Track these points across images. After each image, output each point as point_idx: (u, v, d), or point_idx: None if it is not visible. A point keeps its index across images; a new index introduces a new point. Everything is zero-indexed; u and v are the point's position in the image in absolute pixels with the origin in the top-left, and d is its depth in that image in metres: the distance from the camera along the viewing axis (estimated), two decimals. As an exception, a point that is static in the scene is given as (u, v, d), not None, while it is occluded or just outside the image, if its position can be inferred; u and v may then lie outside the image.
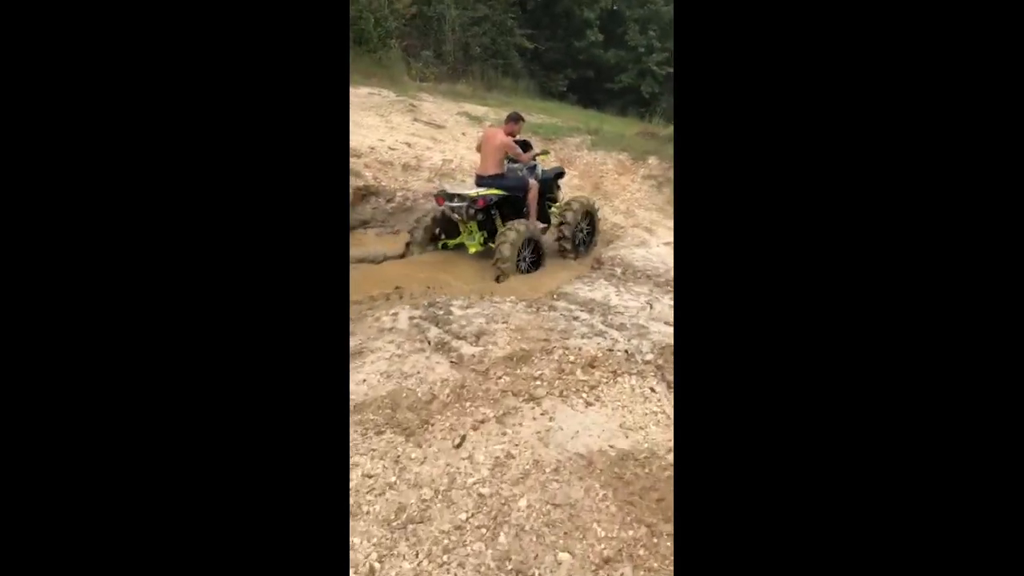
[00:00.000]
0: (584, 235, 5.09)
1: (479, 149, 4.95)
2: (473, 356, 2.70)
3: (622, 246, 5.05)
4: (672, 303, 3.84)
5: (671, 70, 16.39)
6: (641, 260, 4.69)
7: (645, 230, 5.65)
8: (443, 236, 4.81)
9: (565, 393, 2.46)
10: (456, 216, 4.60)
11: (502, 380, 2.52)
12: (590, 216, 5.12)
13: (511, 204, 4.80)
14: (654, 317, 3.54)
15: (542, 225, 4.95)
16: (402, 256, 4.69)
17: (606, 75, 16.50)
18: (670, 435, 2.26)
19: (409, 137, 6.87)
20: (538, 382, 2.53)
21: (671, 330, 3.37)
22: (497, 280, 4.20)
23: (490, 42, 13.12)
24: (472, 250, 4.62)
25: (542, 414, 2.31)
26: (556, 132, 8.81)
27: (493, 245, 4.41)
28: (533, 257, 4.53)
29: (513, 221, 4.49)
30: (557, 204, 5.26)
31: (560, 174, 5.43)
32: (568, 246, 4.88)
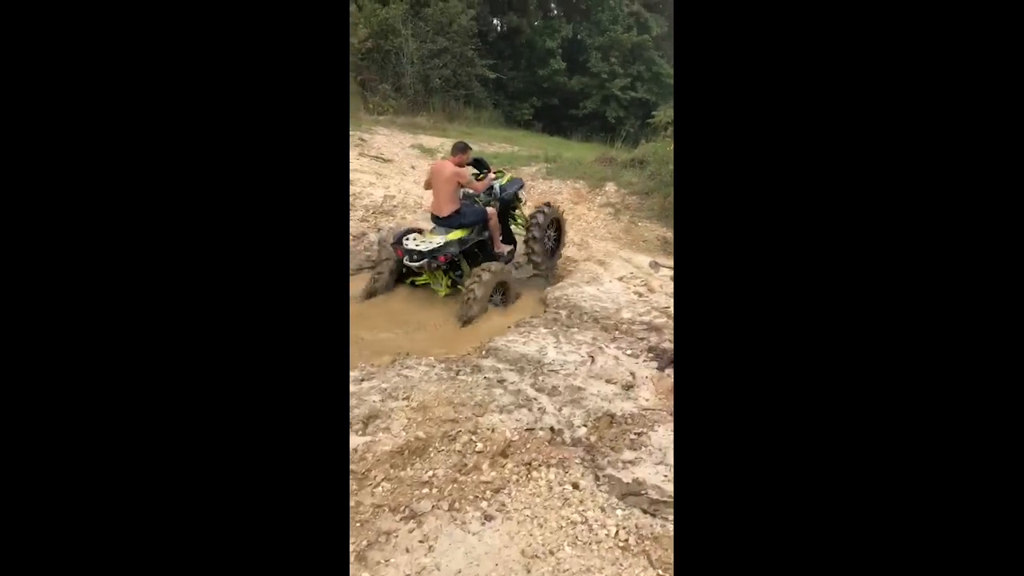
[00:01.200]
0: (551, 243, 4.92)
1: (428, 186, 4.46)
2: (354, 452, 2.10)
3: (570, 284, 4.49)
4: (616, 353, 3.27)
5: (635, 94, 16.12)
6: (589, 300, 4.13)
7: (598, 263, 5.11)
8: (410, 276, 4.40)
9: (459, 504, 1.86)
10: (416, 268, 4.17)
11: (380, 489, 1.92)
12: (556, 223, 4.95)
13: (475, 244, 4.47)
14: (594, 374, 2.97)
15: (508, 248, 4.65)
16: (370, 296, 4.26)
17: (571, 102, 16.18)
18: (590, 559, 1.68)
19: (353, 174, 6.32)
20: (427, 488, 1.93)
21: (611, 390, 2.81)
22: (463, 324, 3.85)
23: (451, 74, 12.70)
24: (442, 293, 4.24)
25: (420, 542, 1.71)
26: (512, 161, 8.33)
27: (462, 287, 4.10)
28: (502, 297, 4.24)
29: (486, 263, 4.16)
30: (521, 215, 4.99)
31: (520, 187, 5.04)
32: (539, 259, 4.70)
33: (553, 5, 16.90)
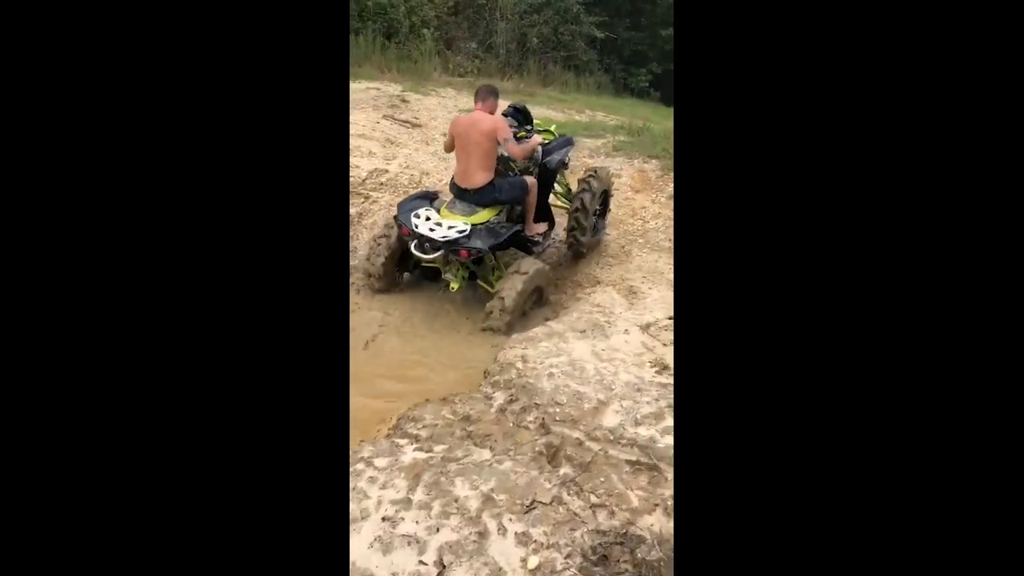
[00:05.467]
0: (596, 217, 3.55)
1: (450, 147, 3.01)
2: None
3: (552, 332, 2.58)
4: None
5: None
6: (563, 375, 2.21)
7: (627, 292, 3.10)
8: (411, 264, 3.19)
9: None
10: (427, 261, 2.94)
11: None
12: (605, 194, 3.63)
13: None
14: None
15: (542, 228, 3.28)
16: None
17: (697, 67, 13.29)
18: None
19: (354, 139, 4.78)
20: None
21: None
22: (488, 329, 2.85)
23: (551, 32, 10.62)
24: (454, 287, 3.02)
25: None
26: (588, 129, 6.30)
27: (483, 284, 3.05)
28: (536, 300, 3.11)
29: (520, 261, 2.98)
30: (564, 184, 3.65)
31: (568, 149, 3.48)
32: (583, 238, 3.42)
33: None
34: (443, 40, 9.54)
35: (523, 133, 3.15)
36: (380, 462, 1.66)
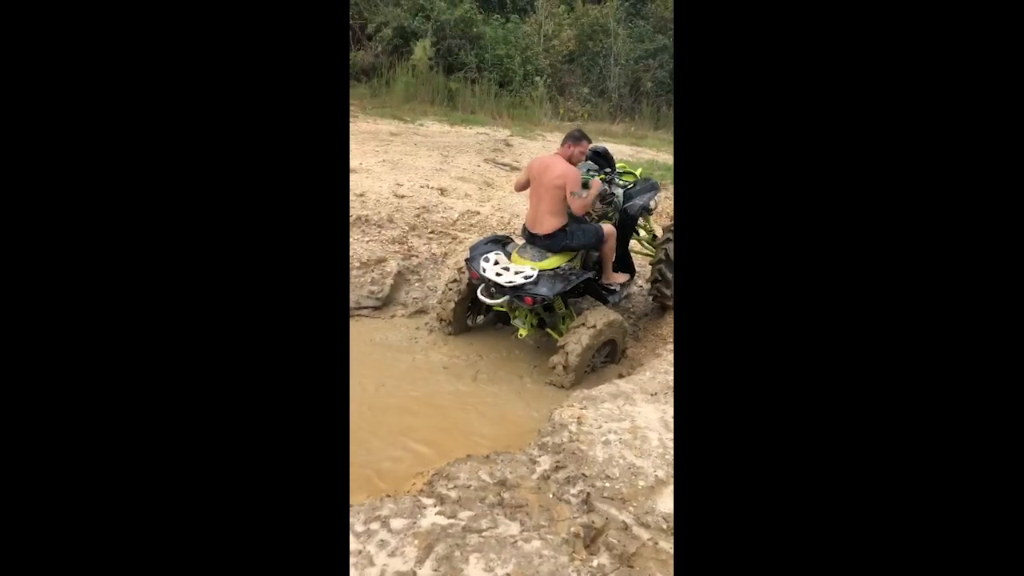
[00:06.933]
0: None
1: (521, 187, 2.96)
2: None
3: (622, 390, 2.32)
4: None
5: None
6: (620, 444, 1.96)
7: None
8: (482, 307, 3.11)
9: None
10: (493, 306, 2.86)
11: None
12: None
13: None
14: None
15: (622, 279, 3.07)
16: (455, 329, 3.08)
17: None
18: None
19: (453, 182, 4.91)
20: None
21: None
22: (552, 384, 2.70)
23: (667, 75, 10.39)
24: (522, 333, 2.90)
25: None
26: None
27: (554, 333, 2.85)
28: (608, 354, 2.88)
29: (588, 313, 2.74)
30: (648, 229, 3.43)
31: (652, 195, 3.19)
32: (668, 290, 3.15)
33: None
34: (555, 86, 9.70)
35: (603, 176, 3.00)
36: (397, 523, 1.53)
